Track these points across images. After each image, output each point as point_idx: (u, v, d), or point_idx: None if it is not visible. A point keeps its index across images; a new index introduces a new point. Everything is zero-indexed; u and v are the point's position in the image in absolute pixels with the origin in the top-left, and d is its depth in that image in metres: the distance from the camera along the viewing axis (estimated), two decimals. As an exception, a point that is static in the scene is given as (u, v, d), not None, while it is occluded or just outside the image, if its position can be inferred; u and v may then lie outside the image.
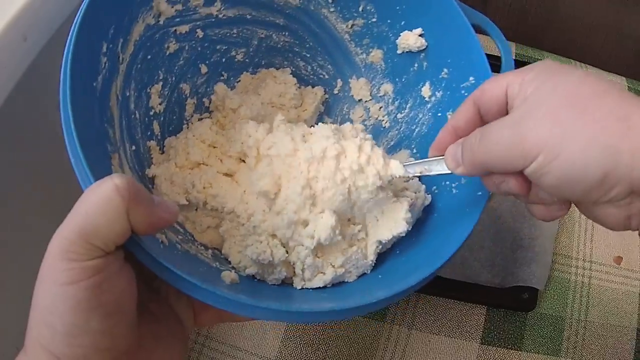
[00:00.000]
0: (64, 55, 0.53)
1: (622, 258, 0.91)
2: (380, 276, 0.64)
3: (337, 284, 0.64)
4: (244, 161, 0.69)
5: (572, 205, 0.82)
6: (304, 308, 0.55)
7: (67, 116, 0.50)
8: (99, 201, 0.44)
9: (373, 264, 0.65)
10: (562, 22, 1.09)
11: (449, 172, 0.56)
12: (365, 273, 0.65)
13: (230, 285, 0.58)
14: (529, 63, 1.00)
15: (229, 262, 0.65)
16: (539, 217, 0.54)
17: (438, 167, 0.59)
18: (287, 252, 0.63)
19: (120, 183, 0.44)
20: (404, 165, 0.62)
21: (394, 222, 0.64)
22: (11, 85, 0.63)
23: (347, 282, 0.64)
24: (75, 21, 0.54)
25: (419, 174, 0.61)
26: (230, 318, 0.59)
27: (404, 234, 0.64)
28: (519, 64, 1.00)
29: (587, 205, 0.49)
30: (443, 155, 0.57)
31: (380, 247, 0.65)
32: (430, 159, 0.60)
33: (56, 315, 0.43)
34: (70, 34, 0.53)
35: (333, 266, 0.63)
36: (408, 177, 0.63)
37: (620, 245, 0.92)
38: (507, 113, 0.53)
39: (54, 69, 0.58)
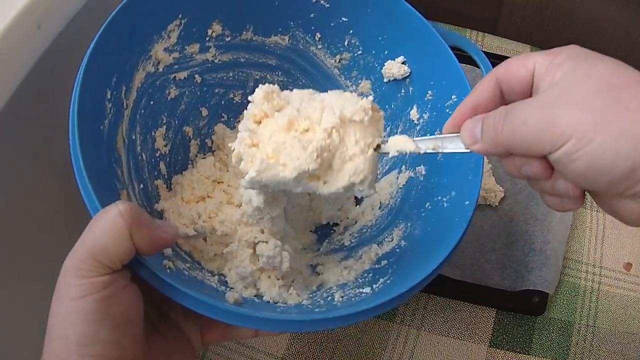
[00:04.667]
0: (71, 101, 0.57)
1: (631, 265, 0.92)
2: (369, 289, 0.66)
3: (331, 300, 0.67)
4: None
5: (584, 210, 0.88)
6: (304, 317, 0.58)
7: (77, 158, 0.55)
8: (105, 224, 0.49)
9: None
10: (576, 26, 1.10)
11: (465, 150, 0.53)
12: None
13: (234, 305, 0.61)
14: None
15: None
16: (552, 207, 0.53)
17: (452, 145, 0.55)
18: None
19: (123, 208, 0.49)
20: (414, 140, 0.57)
21: None
22: (24, 73, 0.64)
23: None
24: (79, 70, 0.59)
25: (431, 150, 0.56)
26: (234, 335, 0.62)
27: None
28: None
29: (606, 198, 0.48)
30: (458, 133, 0.54)
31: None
32: (444, 135, 0.56)
33: (69, 327, 0.48)
34: (76, 81, 0.58)
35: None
36: (419, 152, 0.57)
37: (630, 252, 0.93)
38: (530, 95, 0.51)
39: (67, 58, 0.63)
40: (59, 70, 0.63)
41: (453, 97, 0.71)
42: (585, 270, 0.91)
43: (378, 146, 0.58)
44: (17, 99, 0.63)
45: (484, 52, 1.04)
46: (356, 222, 0.79)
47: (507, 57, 1.00)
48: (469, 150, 0.53)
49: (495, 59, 1.03)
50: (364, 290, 0.65)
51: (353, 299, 0.65)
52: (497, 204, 0.93)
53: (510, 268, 0.88)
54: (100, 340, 0.48)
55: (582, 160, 0.44)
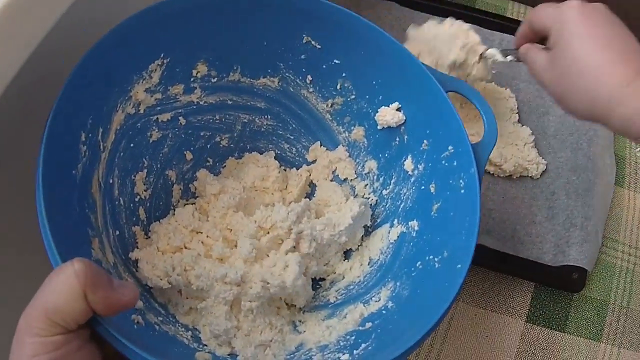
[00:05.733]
0: (40, 145, 0.54)
1: (665, 248, 0.91)
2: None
3: None
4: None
5: (621, 189, 0.97)
6: None
7: (40, 205, 0.52)
8: (59, 283, 0.46)
9: None
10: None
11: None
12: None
13: None
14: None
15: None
16: None
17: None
18: None
19: (79, 267, 0.46)
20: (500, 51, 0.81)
21: None
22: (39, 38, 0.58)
23: None
24: (50, 112, 0.55)
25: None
26: None
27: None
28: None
29: None
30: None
31: None
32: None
33: None
34: (46, 124, 0.55)
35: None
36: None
37: (666, 235, 0.92)
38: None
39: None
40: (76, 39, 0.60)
41: (450, 148, 0.68)
42: (621, 250, 0.92)
43: None
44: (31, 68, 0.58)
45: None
46: (344, 277, 0.74)
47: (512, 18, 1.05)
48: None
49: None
50: (342, 357, 0.61)
51: None
52: (539, 176, 0.93)
53: (550, 242, 0.88)
54: None
55: None
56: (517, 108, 0.97)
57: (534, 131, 0.96)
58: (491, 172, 0.92)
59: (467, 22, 0.90)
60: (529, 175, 0.93)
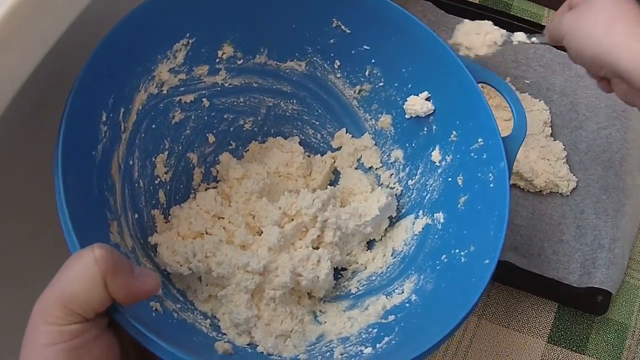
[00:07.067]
0: (59, 125, 0.53)
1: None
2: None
3: None
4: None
5: None
6: None
7: (58, 187, 0.50)
8: (78, 270, 0.44)
9: None
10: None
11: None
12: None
13: (223, 355, 0.57)
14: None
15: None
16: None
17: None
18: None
19: (99, 254, 0.44)
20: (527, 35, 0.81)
21: None
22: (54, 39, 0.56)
23: None
24: (71, 91, 0.54)
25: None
26: None
27: None
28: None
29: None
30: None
31: None
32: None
33: None
34: (66, 104, 0.53)
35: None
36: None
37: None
38: None
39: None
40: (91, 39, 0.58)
41: (479, 140, 0.66)
42: (645, 273, 0.91)
43: None
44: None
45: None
46: (366, 267, 0.73)
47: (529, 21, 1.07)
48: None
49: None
50: (365, 350, 0.59)
51: (353, 358, 0.59)
52: (569, 193, 0.92)
53: (576, 262, 0.87)
54: None
55: (572, 48, 0.71)
56: (551, 121, 0.95)
57: (566, 146, 0.93)
58: (521, 187, 0.89)
59: (502, 29, 0.89)
60: (559, 192, 0.91)
